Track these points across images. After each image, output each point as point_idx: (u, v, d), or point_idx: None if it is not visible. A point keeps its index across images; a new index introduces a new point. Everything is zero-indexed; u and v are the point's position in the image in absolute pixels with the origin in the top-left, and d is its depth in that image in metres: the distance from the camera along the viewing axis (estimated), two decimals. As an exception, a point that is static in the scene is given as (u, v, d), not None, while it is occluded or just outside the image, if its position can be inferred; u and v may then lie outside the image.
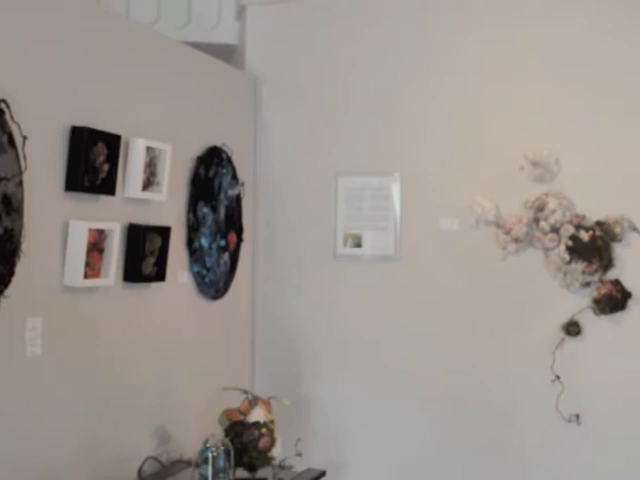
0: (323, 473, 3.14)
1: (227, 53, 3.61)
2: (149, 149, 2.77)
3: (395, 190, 3.54)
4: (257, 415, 3.01)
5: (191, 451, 2.87)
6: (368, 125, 3.53)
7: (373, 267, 3.55)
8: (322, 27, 3.61)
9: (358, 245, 3.59)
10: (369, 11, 3.52)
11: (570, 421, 3.31)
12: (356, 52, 3.53)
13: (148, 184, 2.82)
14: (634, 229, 3.24)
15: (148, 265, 2.85)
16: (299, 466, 3.09)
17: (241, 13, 3.67)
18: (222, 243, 3.38)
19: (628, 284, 3.24)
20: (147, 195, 2.82)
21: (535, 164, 3.33)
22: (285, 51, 3.63)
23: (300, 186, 3.48)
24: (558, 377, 3.32)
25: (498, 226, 3.36)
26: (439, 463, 3.37)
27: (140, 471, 2.78)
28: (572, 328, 3.32)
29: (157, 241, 2.89)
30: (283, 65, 3.68)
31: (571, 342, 3.32)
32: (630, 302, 3.23)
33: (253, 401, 3.03)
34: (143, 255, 2.81)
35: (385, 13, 3.50)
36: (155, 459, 2.88)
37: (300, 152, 3.46)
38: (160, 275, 2.91)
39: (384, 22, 3.49)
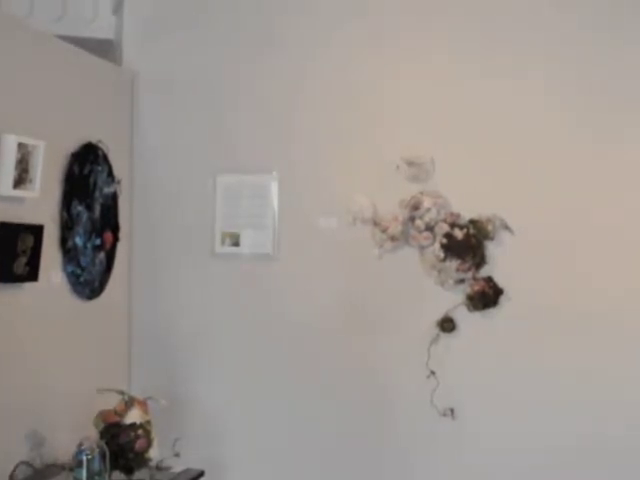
0: (202, 473, 3.36)
1: (104, 48, 3.73)
2: (21, 145, 2.87)
3: (273, 188, 3.75)
4: (133, 416, 3.15)
5: (66, 455, 3.00)
6: (247, 123, 3.74)
7: (252, 266, 3.77)
8: (201, 23, 3.83)
9: (236, 244, 3.78)
10: (248, 7, 3.80)
11: (445, 415, 3.61)
12: (234, 49, 3.77)
13: (20, 181, 2.92)
14: (506, 227, 3.57)
15: (20, 265, 2.92)
16: (177, 467, 3.27)
17: (118, 7, 3.83)
18: (97, 242, 3.52)
19: (500, 281, 3.59)
20: (19, 193, 2.91)
21: (410, 163, 3.60)
22: (163, 47, 3.78)
23: (178, 184, 3.59)
24: (433, 372, 3.62)
25: (375, 224, 3.62)
26: (317, 459, 3.65)
27: (12, 476, 2.85)
28: (446, 324, 3.62)
29: (29, 240, 2.97)
30: (161, 61, 3.84)
31: (446, 338, 3.62)
32: (502, 298, 3.58)
33: (129, 402, 3.17)
34: (15, 255, 2.88)
35: (264, 9, 3.79)
36: (28, 464, 2.96)
37: (178, 150, 3.60)
38: (32, 275, 3.00)
39: (263, 18, 3.76)
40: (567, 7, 3.46)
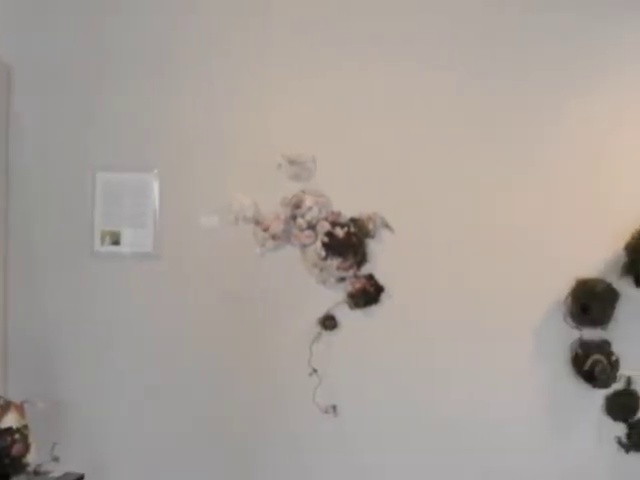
0: (81, 477, 3.46)
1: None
2: None
3: (154, 186, 3.90)
4: (10, 420, 3.24)
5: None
6: (127, 120, 3.86)
7: (132, 265, 3.91)
8: (80, 12, 3.91)
9: (116, 242, 3.91)
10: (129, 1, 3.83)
11: (327, 412, 3.85)
12: (114, 41, 3.89)
13: None
14: (386, 226, 3.79)
15: None
16: (56, 471, 3.38)
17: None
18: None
19: (381, 278, 3.83)
20: None
21: (292, 162, 3.78)
22: (40, 38, 3.67)
23: (56, 181, 3.66)
24: (315, 370, 3.84)
25: (257, 223, 3.80)
26: (200, 459, 3.86)
27: None
28: (328, 322, 3.82)
29: None
30: (37, 53, 3.88)
31: (327, 336, 3.84)
32: (383, 296, 3.83)
33: (5, 406, 3.25)
34: None
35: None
36: None
37: (56, 146, 3.67)
38: None
39: (136, 10, 3.90)
40: (439, 8, 3.74)
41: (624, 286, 3.72)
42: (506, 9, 3.69)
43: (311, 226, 3.79)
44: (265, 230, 3.80)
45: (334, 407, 3.87)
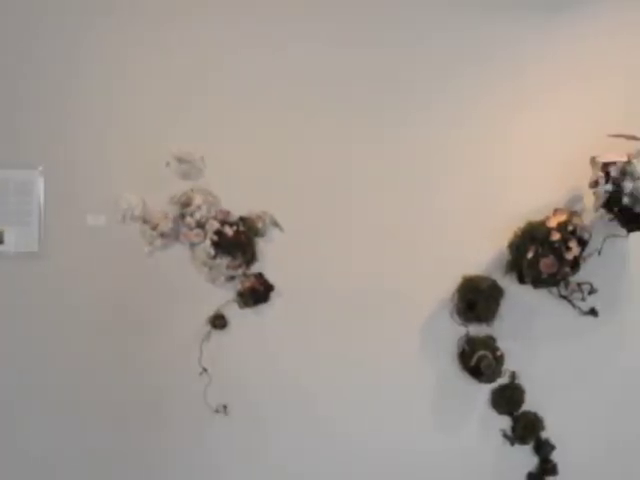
0: None
1: None
2: None
3: (39, 184, 3.86)
4: None
5: None
6: (9, 114, 3.84)
7: (16, 264, 3.89)
8: None
9: (0, 241, 3.83)
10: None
11: (218, 411, 3.89)
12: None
13: None
14: (275, 224, 3.83)
15: None
16: None
17: None
18: None
19: (270, 277, 3.89)
20: None
21: (181, 160, 3.80)
22: None
23: None
24: (205, 369, 3.89)
25: (145, 222, 3.80)
26: (89, 460, 3.92)
27: None
28: (218, 321, 3.86)
29: None
30: None
31: (217, 335, 3.90)
32: (272, 294, 3.88)
33: None
34: None
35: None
36: None
37: None
38: None
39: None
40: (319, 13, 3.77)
41: (508, 283, 3.84)
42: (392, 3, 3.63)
43: (200, 225, 3.82)
44: (153, 229, 3.80)
45: (225, 406, 3.93)
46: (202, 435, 3.88)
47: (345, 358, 3.81)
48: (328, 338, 3.84)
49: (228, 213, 3.85)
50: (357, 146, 3.77)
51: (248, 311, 3.90)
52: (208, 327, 3.89)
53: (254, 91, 3.78)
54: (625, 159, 3.53)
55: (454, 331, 3.87)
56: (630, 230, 3.65)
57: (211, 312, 3.88)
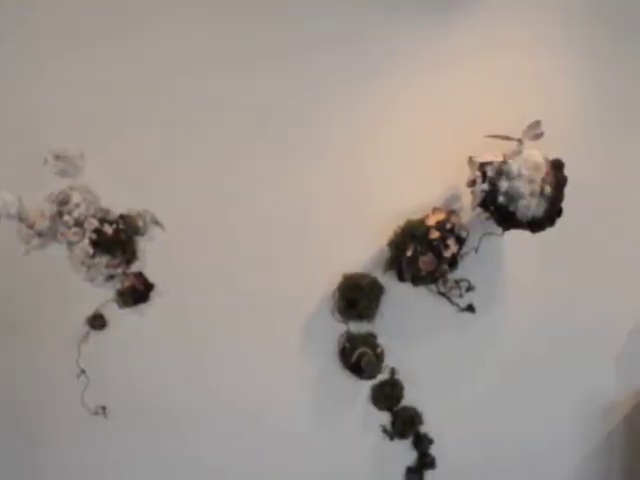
0: None
1: None
2: None
3: None
4: None
5: None
6: None
7: None
8: None
9: None
10: None
11: (97, 414, 3.87)
12: None
13: None
14: (156, 223, 3.83)
15: None
16: None
17: None
18: None
19: (151, 276, 3.87)
20: None
21: (59, 157, 3.75)
22: None
23: None
24: (84, 371, 3.85)
25: (21, 220, 3.72)
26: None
27: None
28: (97, 321, 3.84)
29: None
30: None
31: (96, 335, 3.86)
32: (153, 294, 3.86)
33: None
34: None
35: None
36: None
37: None
38: None
39: None
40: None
41: (388, 280, 3.92)
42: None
43: (79, 223, 3.78)
44: (30, 227, 3.74)
45: (104, 408, 3.89)
46: (82, 439, 3.87)
47: (226, 357, 3.86)
48: (209, 337, 3.87)
49: (108, 211, 3.81)
50: (237, 145, 3.82)
51: (128, 311, 3.88)
52: (87, 327, 3.86)
53: (134, 88, 3.79)
54: (501, 159, 3.68)
55: (335, 329, 3.94)
56: (505, 228, 3.79)
57: (90, 312, 3.85)
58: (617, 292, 4.21)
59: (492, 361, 4.07)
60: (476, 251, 3.91)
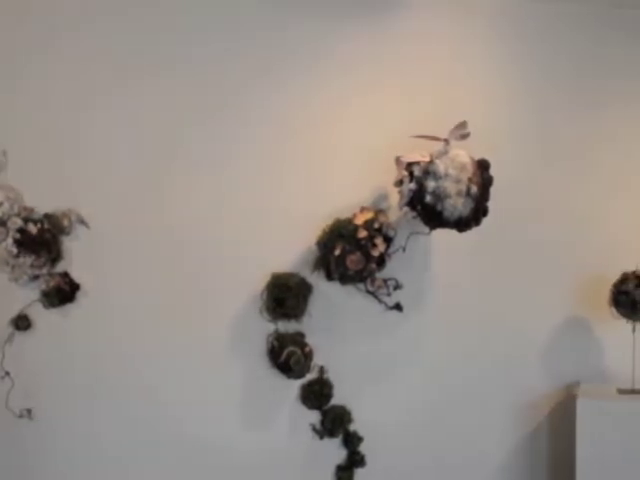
0: None
1: None
2: None
3: None
4: None
5: None
6: None
7: None
8: None
9: None
10: None
11: (22, 416, 3.81)
12: None
13: None
14: (81, 222, 3.80)
15: None
16: None
17: None
18: None
19: (76, 276, 3.85)
20: None
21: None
22: None
23: None
24: (8, 373, 3.79)
25: None
26: None
27: None
28: (21, 322, 3.78)
29: None
30: None
31: (21, 336, 3.81)
32: (79, 294, 3.85)
33: None
34: None
35: None
36: None
37: None
38: None
39: None
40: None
41: (316, 279, 3.92)
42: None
43: (2, 222, 3.69)
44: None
45: (29, 410, 3.84)
46: (6, 442, 3.83)
47: (153, 357, 3.82)
48: (136, 337, 3.84)
49: (32, 210, 3.77)
50: (165, 144, 3.83)
51: (54, 311, 3.84)
52: (11, 329, 3.81)
53: (58, 85, 3.79)
54: (428, 159, 3.70)
55: (263, 328, 3.92)
56: (432, 227, 3.81)
57: (14, 313, 3.79)
58: (543, 290, 4.31)
59: (420, 359, 4.12)
60: (404, 250, 3.91)
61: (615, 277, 4.05)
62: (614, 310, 4.02)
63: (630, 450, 3.85)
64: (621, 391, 4.08)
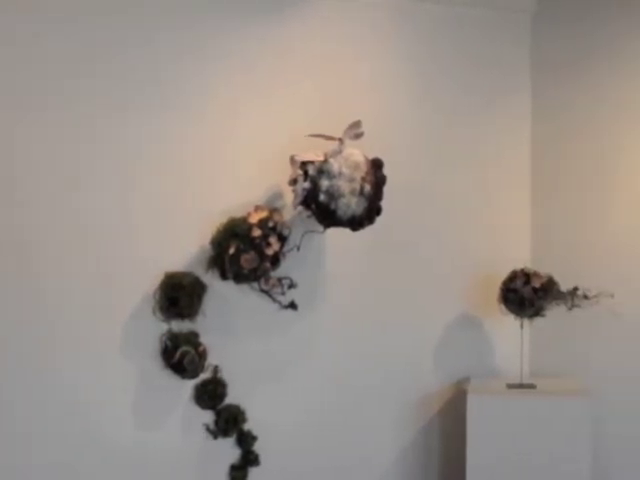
0: None
1: None
2: None
3: None
4: None
5: None
6: None
7: None
8: None
9: None
10: None
11: None
12: None
13: None
14: None
15: None
16: None
17: None
18: None
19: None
20: None
21: None
22: None
23: None
24: None
25: None
26: None
27: None
28: None
29: None
30: None
31: None
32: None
33: None
34: None
35: None
36: None
37: None
38: None
39: None
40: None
41: (211, 279, 3.93)
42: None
43: None
44: None
45: None
46: None
47: (42, 359, 3.82)
48: (24, 341, 3.85)
49: None
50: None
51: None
52: None
53: None
54: (322, 158, 3.73)
55: (157, 328, 3.91)
56: (326, 226, 3.85)
57: None
58: (435, 289, 4.44)
59: (315, 358, 4.15)
60: (298, 249, 3.94)
61: (505, 275, 3.97)
62: (503, 307, 4.03)
63: (519, 443, 3.91)
64: (510, 386, 4.20)
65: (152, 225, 3.88)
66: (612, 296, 4.12)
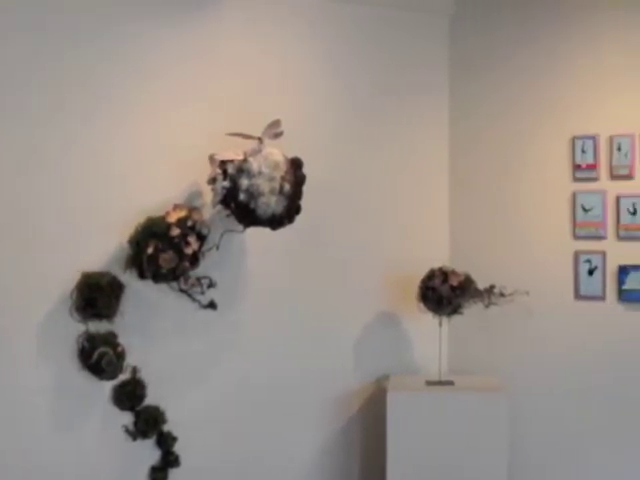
0: None
1: None
2: None
3: None
4: None
5: None
6: None
7: None
8: None
9: None
10: None
11: None
12: None
13: None
14: None
15: None
16: None
17: None
18: None
19: None
20: None
21: None
22: None
23: None
24: None
25: None
26: None
27: None
28: None
29: None
30: None
31: None
32: None
33: None
34: None
35: None
36: None
37: None
38: None
39: None
40: None
41: (129, 278, 3.88)
42: None
43: None
44: None
45: None
46: None
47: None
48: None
49: None
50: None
51: None
52: None
53: None
54: (242, 157, 3.73)
55: (74, 328, 3.85)
56: (246, 225, 3.86)
57: None
58: (354, 287, 4.49)
59: (234, 357, 4.16)
60: (217, 248, 3.95)
61: (423, 274, 4.02)
62: (422, 305, 4.05)
63: (438, 439, 3.95)
64: (429, 383, 4.26)
65: (69, 224, 3.83)
66: (527, 293, 4.04)
